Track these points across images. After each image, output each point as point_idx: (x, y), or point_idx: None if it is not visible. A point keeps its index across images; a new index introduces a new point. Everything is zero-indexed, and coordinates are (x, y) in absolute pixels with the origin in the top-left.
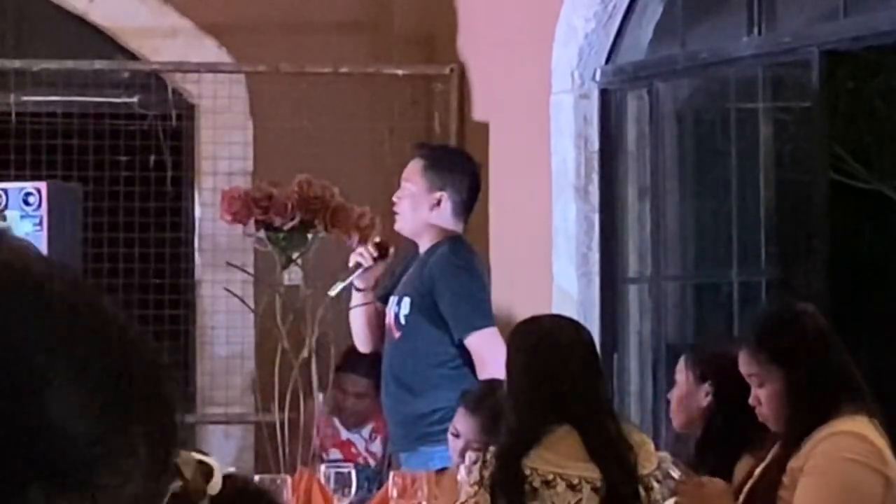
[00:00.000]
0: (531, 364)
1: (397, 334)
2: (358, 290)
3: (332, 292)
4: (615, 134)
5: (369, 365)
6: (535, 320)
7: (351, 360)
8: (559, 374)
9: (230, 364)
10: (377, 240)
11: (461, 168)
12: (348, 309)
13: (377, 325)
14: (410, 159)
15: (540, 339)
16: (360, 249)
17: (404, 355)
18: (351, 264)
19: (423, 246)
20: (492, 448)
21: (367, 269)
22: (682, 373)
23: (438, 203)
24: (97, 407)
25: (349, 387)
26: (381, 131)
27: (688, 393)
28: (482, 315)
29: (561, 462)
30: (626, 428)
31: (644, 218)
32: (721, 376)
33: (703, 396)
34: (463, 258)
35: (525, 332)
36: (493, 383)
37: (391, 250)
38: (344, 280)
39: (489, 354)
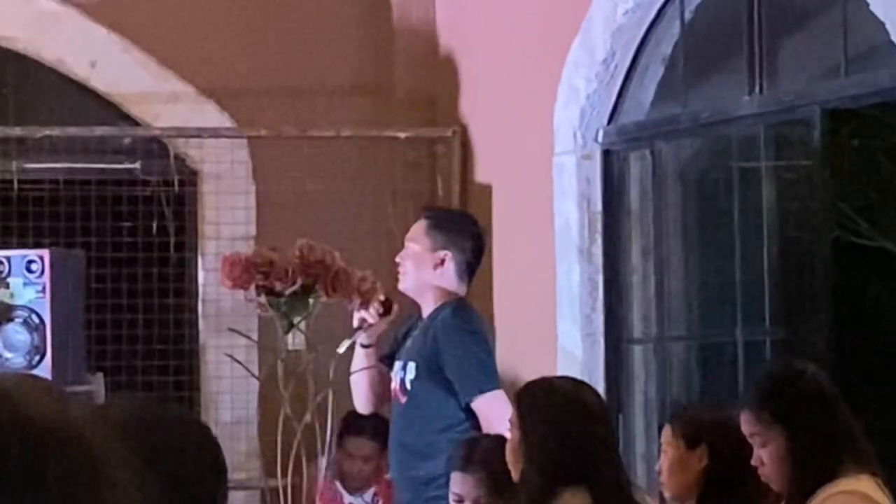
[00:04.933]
0: (557, 426)
1: (403, 399)
2: (364, 346)
3: (340, 349)
4: (618, 194)
5: (374, 428)
6: (548, 382)
7: (355, 423)
8: (585, 436)
9: (235, 430)
10: (381, 297)
11: (465, 229)
12: (349, 372)
13: (379, 386)
14: (414, 222)
15: (565, 401)
16: (370, 309)
17: (411, 420)
18: (355, 323)
19: (427, 308)
20: None
21: (371, 326)
22: (670, 440)
23: (442, 262)
24: None
25: (355, 451)
26: (384, 194)
27: (680, 460)
28: (488, 378)
29: None
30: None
31: (648, 278)
32: (716, 439)
33: (698, 461)
34: (467, 321)
35: (546, 394)
36: (472, 440)
37: (395, 307)
38: (350, 337)
39: (496, 417)
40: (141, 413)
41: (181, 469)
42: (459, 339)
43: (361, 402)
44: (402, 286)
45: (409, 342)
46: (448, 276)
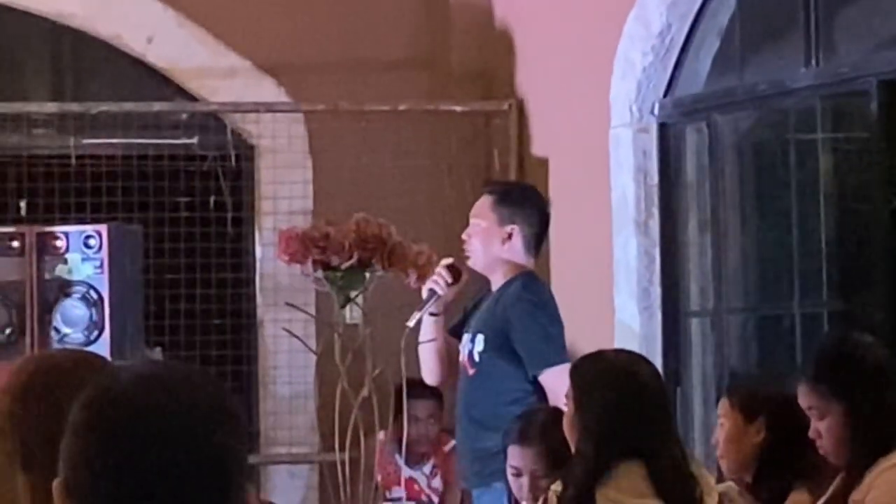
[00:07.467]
0: (612, 399)
1: (471, 371)
2: (433, 314)
3: (411, 323)
4: (674, 167)
5: (430, 387)
6: (603, 355)
7: (415, 387)
8: (640, 409)
9: (293, 404)
10: (449, 261)
11: (530, 201)
12: (416, 344)
13: (447, 357)
14: (470, 196)
15: (620, 374)
16: (435, 277)
17: (479, 392)
18: (425, 294)
19: (496, 282)
20: (556, 485)
21: (440, 297)
22: (728, 413)
23: (510, 237)
24: None
25: (420, 412)
26: (441, 168)
27: (738, 433)
28: (556, 351)
29: (623, 499)
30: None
31: (705, 251)
32: (774, 412)
33: (755, 434)
34: (536, 294)
35: (600, 368)
36: (529, 413)
37: (463, 275)
38: (420, 310)
39: (563, 390)
40: (152, 372)
41: (194, 428)
42: (529, 312)
43: (429, 372)
44: (470, 264)
45: (478, 314)
46: (516, 250)
